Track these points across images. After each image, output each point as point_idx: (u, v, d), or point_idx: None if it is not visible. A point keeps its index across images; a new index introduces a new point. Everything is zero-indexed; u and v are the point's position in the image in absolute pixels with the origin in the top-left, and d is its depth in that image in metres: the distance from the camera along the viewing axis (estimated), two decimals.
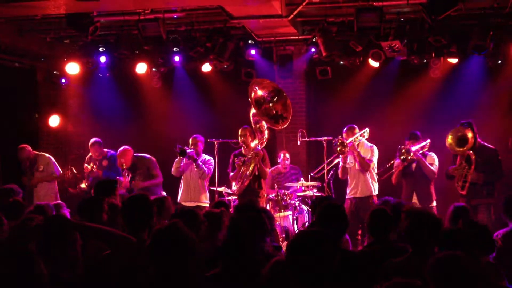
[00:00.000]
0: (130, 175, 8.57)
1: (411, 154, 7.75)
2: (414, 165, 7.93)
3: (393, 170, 8.04)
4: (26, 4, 7.67)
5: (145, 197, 4.37)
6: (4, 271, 2.71)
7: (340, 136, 8.08)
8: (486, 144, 7.62)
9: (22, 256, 2.77)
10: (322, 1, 8.13)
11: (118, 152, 8.67)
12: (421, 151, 7.88)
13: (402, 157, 7.79)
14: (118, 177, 8.46)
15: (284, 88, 8.44)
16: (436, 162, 7.91)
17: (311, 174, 8.54)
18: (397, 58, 9.26)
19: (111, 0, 7.53)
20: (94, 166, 8.87)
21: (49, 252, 3.43)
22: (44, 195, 8.88)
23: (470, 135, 7.35)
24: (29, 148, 9.12)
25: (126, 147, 8.72)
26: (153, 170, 8.72)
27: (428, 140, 7.92)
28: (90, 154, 9.20)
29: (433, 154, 7.96)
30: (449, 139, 7.48)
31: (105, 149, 9.18)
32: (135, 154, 8.73)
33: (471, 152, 7.40)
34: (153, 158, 8.79)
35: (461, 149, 7.44)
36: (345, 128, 8.26)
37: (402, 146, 7.82)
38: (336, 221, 4.26)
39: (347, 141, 8.01)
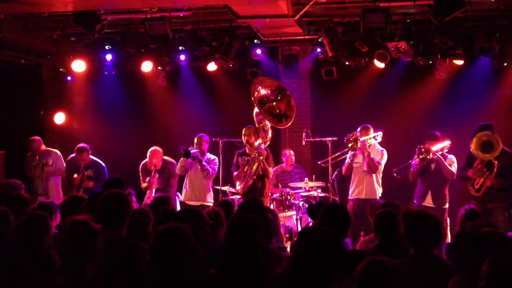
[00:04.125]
0: (158, 176, 8.47)
1: (431, 154, 7.66)
2: (433, 165, 7.83)
3: (411, 169, 7.98)
4: (34, 1, 7.68)
5: (122, 194, 4.42)
6: (21, 266, 2.74)
7: (354, 132, 8.05)
8: (504, 148, 7.47)
9: (40, 252, 2.80)
10: (329, 1, 8.13)
11: (149, 153, 8.51)
12: (440, 152, 7.79)
13: (421, 156, 7.66)
14: (148, 178, 8.40)
15: (289, 88, 8.44)
16: (455, 163, 7.81)
17: (319, 162, 8.49)
18: (403, 59, 9.26)
19: None
20: (85, 175, 8.64)
21: (76, 251, 3.51)
22: (55, 191, 8.94)
23: (499, 143, 7.19)
24: (41, 140, 9.13)
25: (157, 147, 8.59)
26: (173, 177, 8.67)
27: (449, 142, 7.81)
28: (71, 159, 8.95)
29: (452, 156, 7.86)
30: (474, 144, 7.27)
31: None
32: (163, 157, 8.64)
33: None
34: (176, 163, 8.67)
35: (486, 155, 7.25)
36: (359, 128, 8.20)
37: (422, 145, 7.70)
38: (338, 222, 4.25)
39: (361, 139, 7.98)
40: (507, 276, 2.96)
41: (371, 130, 8.18)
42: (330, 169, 8.32)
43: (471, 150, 7.35)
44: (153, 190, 8.34)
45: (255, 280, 3.35)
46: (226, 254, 3.52)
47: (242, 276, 3.37)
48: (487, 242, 3.69)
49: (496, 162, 7.26)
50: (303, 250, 2.99)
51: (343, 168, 8.27)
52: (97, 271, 3.34)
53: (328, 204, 4.51)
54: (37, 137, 9.16)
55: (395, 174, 8.03)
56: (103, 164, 8.92)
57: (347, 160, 8.23)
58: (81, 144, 8.86)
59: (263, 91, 7.99)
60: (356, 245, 7.87)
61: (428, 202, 7.81)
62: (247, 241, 3.47)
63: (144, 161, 8.71)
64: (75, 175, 8.70)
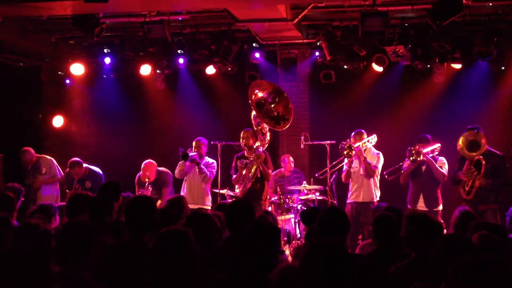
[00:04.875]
0: (152, 189, 8.46)
1: (421, 155, 7.72)
2: (424, 168, 7.90)
3: (402, 171, 8.02)
4: (33, 5, 7.69)
5: (150, 199, 4.43)
6: (17, 269, 2.75)
7: (348, 140, 8.08)
8: (494, 150, 7.58)
9: (36, 254, 2.81)
10: (327, 5, 8.15)
11: (143, 165, 8.53)
12: (431, 154, 7.85)
13: (411, 158, 7.75)
14: (141, 191, 8.40)
15: (288, 92, 8.45)
16: (446, 165, 7.89)
17: (316, 175, 8.52)
18: (401, 63, 9.29)
19: (118, 2, 7.54)
20: (79, 188, 8.46)
21: (73, 253, 3.53)
22: (47, 197, 8.86)
23: (483, 140, 7.30)
24: (32, 151, 9.05)
25: (151, 160, 8.60)
26: (166, 187, 8.67)
27: (439, 144, 7.89)
28: (67, 173, 8.85)
29: (443, 158, 7.94)
30: (460, 142, 7.41)
31: (85, 165, 8.76)
32: (158, 168, 8.65)
33: (481, 157, 7.36)
34: (171, 173, 8.71)
35: (472, 153, 7.36)
36: (352, 133, 8.25)
37: (412, 147, 7.79)
38: (337, 226, 4.25)
39: (355, 146, 8.01)
40: (470, 280, 2.96)
41: (365, 135, 8.22)
42: (329, 172, 8.33)
43: (458, 149, 7.42)
44: None
45: (264, 284, 3.35)
46: (241, 258, 3.49)
47: (253, 281, 3.36)
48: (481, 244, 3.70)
49: (484, 162, 7.31)
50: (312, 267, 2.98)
51: (342, 177, 8.32)
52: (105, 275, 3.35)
53: (327, 208, 4.50)
54: (27, 148, 9.04)
55: (386, 176, 8.09)
56: (101, 173, 8.87)
57: (345, 167, 8.26)
58: (73, 159, 8.79)
59: (260, 94, 8.00)
60: (353, 248, 7.96)
61: (421, 205, 7.86)
62: (266, 248, 3.45)
63: (139, 174, 8.72)
64: (67, 191, 8.64)
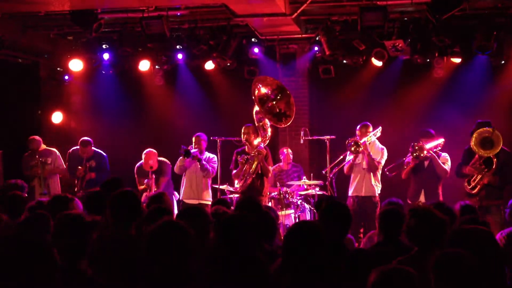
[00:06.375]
0: (154, 177, 8.52)
1: (424, 151, 7.70)
2: (426, 163, 7.90)
3: (404, 167, 8.01)
4: (30, 0, 7.67)
5: (133, 193, 4.47)
6: (19, 262, 2.72)
7: (354, 137, 8.07)
8: (502, 146, 7.52)
9: (39, 247, 2.78)
10: (326, 0, 8.13)
11: (144, 154, 8.60)
12: (434, 150, 7.84)
13: (414, 154, 7.74)
14: (146, 180, 8.46)
15: (287, 87, 8.43)
16: (449, 162, 7.89)
17: (323, 172, 8.46)
18: (400, 57, 9.28)
19: None
20: (87, 167, 8.76)
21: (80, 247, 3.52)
22: (54, 187, 8.98)
23: (499, 141, 7.23)
24: (40, 140, 9.16)
25: (152, 149, 8.67)
26: (165, 175, 8.71)
27: (442, 139, 7.87)
28: (73, 151, 9.05)
29: (446, 155, 7.93)
30: (474, 139, 7.32)
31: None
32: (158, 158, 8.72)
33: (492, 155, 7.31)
34: (170, 164, 8.77)
35: (487, 151, 7.29)
36: (358, 126, 8.24)
37: (415, 143, 7.77)
38: (340, 220, 4.25)
39: (361, 141, 8.01)
40: (452, 272, 2.97)
41: (370, 128, 8.21)
42: (328, 167, 8.33)
43: (471, 146, 7.38)
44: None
45: (253, 279, 3.34)
46: (221, 253, 3.50)
47: (239, 275, 3.35)
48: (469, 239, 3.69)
49: (495, 159, 7.28)
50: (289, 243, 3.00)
51: (345, 168, 8.31)
52: (98, 269, 3.32)
53: (329, 201, 4.50)
54: (37, 137, 9.20)
55: (387, 173, 8.10)
56: (105, 154, 9.05)
57: (349, 160, 8.24)
58: (85, 138, 8.99)
59: (263, 90, 7.99)
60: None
61: (421, 200, 7.83)
62: (242, 240, 3.45)
63: (139, 163, 8.74)
64: (79, 167, 8.79)
